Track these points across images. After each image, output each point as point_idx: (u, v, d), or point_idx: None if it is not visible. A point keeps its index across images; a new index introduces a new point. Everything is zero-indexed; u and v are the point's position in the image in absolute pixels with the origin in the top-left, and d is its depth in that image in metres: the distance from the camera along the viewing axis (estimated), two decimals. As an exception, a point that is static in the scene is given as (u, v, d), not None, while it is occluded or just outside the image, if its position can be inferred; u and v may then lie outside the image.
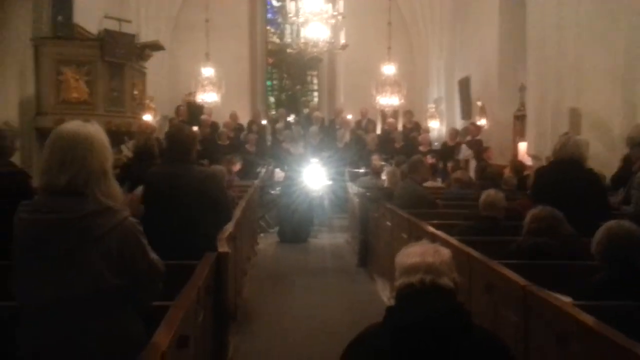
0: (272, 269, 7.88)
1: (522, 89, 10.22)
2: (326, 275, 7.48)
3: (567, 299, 2.62)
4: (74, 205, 2.04)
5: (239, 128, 13.52)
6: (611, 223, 3.06)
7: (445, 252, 2.10)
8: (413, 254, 2.07)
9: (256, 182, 10.09)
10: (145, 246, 2.19)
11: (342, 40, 11.96)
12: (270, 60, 17.22)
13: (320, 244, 9.72)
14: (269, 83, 17.42)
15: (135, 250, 2.13)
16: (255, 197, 9.02)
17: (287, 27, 15.82)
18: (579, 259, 3.51)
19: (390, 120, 13.73)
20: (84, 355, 2.01)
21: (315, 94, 17.45)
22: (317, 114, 14.01)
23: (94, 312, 2.03)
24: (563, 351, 2.39)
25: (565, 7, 7.88)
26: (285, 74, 17.22)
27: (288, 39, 14.34)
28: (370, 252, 7.77)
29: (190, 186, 3.82)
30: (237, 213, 5.40)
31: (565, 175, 4.55)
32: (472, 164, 11.02)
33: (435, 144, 13.21)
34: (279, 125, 13.35)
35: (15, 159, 3.97)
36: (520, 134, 10.60)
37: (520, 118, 10.63)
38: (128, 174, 4.97)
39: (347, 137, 12.94)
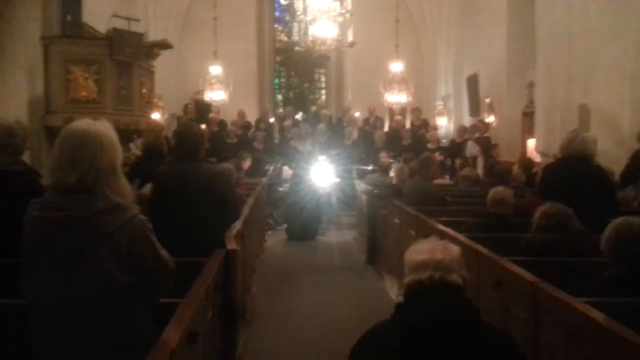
0: (280, 266, 7.89)
1: (531, 85, 10.17)
2: (334, 273, 7.48)
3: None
4: (83, 203, 2.05)
5: (246, 126, 13.54)
6: (620, 220, 3.05)
7: (455, 249, 2.10)
8: (422, 250, 2.07)
9: (264, 179, 10.10)
10: (155, 243, 2.19)
11: (350, 38, 11.95)
12: (278, 58, 17.23)
13: (328, 241, 9.73)
14: (276, 81, 17.44)
15: (144, 247, 2.13)
16: (263, 194, 9.04)
17: (295, 25, 15.81)
18: (588, 256, 3.49)
19: (398, 117, 13.71)
20: (93, 352, 2.01)
21: (323, 91, 17.46)
22: (324, 111, 14.01)
23: (104, 309, 2.03)
24: (572, 348, 2.38)
25: (575, 3, 7.84)
26: (293, 71, 17.22)
27: (296, 37, 14.34)
28: (378, 249, 7.76)
29: (199, 184, 3.83)
30: (245, 211, 5.40)
31: (572, 172, 4.53)
32: (480, 161, 11.00)
33: (444, 141, 13.18)
34: (287, 123, 13.36)
35: (25, 157, 3.99)
36: (528, 131, 10.56)
37: (528, 115, 10.59)
38: (137, 172, 5.00)
39: (355, 134, 12.93)
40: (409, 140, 12.38)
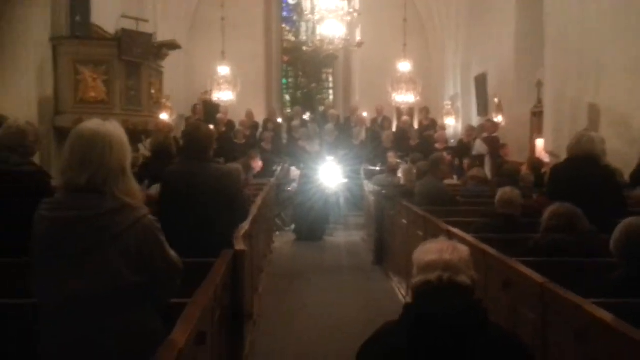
0: (288, 267, 7.90)
1: (540, 84, 10.13)
2: (342, 273, 7.48)
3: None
4: (93, 203, 2.06)
5: (255, 126, 13.56)
6: (630, 220, 3.03)
7: (464, 250, 2.09)
8: (431, 251, 2.07)
9: (272, 180, 10.11)
10: (164, 243, 2.20)
11: (358, 38, 11.96)
12: (286, 58, 17.25)
13: (336, 242, 9.73)
14: (284, 81, 17.46)
15: (153, 247, 2.14)
16: (271, 195, 9.05)
17: (303, 24, 15.85)
18: (597, 256, 3.48)
19: (405, 118, 13.67)
20: (102, 352, 2.02)
21: (331, 91, 17.46)
22: (332, 111, 14.02)
23: (113, 309, 2.04)
24: (581, 348, 2.37)
25: (585, 1, 7.80)
26: (301, 71, 17.23)
27: (303, 37, 14.37)
28: (386, 250, 7.76)
29: (207, 184, 3.84)
30: (254, 211, 5.41)
31: (579, 172, 4.51)
32: (488, 161, 10.95)
33: (452, 141, 13.14)
34: (295, 123, 13.37)
35: (34, 158, 4.01)
36: (537, 131, 10.51)
37: (537, 114, 10.54)
38: (146, 173, 5.01)
39: (363, 134, 12.92)
40: (417, 141, 12.36)
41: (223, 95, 13.00)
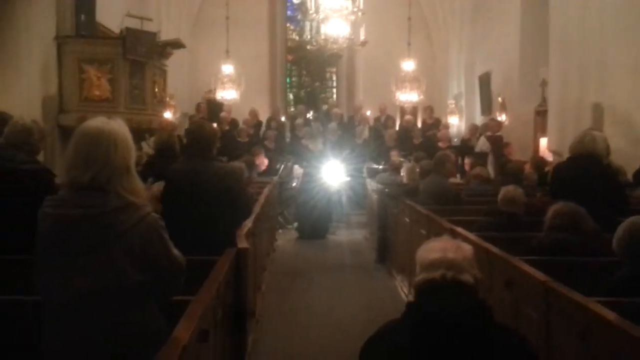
0: (291, 265, 7.91)
1: (544, 84, 10.11)
2: (344, 272, 7.49)
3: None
4: (97, 201, 2.06)
5: (258, 125, 13.57)
6: (633, 219, 3.02)
7: (467, 248, 2.09)
8: (435, 249, 2.07)
9: (275, 178, 10.12)
10: (168, 242, 2.20)
11: (362, 37, 11.94)
12: (290, 57, 17.25)
13: (339, 240, 9.74)
14: (288, 80, 17.46)
15: (157, 246, 2.14)
16: (274, 193, 9.06)
17: (307, 23, 15.81)
18: (600, 255, 3.47)
19: (408, 117, 13.63)
20: (106, 350, 2.03)
21: (334, 90, 17.46)
22: (336, 110, 14.01)
23: (117, 307, 2.05)
24: (584, 347, 2.37)
25: (589, 1, 7.77)
26: (305, 70, 17.24)
27: (308, 36, 14.37)
28: (389, 248, 7.76)
29: (210, 183, 3.84)
30: (257, 209, 5.42)
31: (581, 170, 4.51)
32: (490, 160, 10.93)
33: (455, 140, 13.12)
34: (298, 121, 13.37)
35: (38, 156, 4.02)
36: (541, 130, 10.49)
37: (541, 113, 10.52)
38: (150, 171, 5.02)
39: (366, 133, 12.91)
40: (420, 139, 12.34)
41: (227, 94, 13.01)
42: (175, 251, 2.25)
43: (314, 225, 9.72)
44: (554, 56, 8.75)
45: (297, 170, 11.24)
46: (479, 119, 13.11)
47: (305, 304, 5.98)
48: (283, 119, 14.53)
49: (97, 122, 2.17)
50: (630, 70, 7.40)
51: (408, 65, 12.63)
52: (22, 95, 6.89)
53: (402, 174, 9.25)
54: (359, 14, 10.92)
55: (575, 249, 3.57)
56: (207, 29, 14.86)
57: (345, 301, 6.10)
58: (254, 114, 13.77)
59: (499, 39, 12.07)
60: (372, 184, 9.67)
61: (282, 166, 11.15)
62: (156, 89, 8.26)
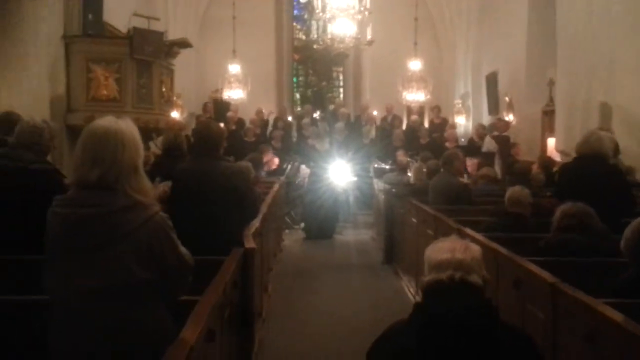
0: (298, 265, 7.91)
1: (551, 83, 10.07)
2: (351, 272, 7.48)
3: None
4: (104, 200, 2.07)
5: (265, 125, 13.58)
6: (641, 220, 3.01)
7: (476, 249, 2.08)
8: (443, 249, 2.06)
9: (282, 178, 10.13)
10: (175, 241, 2.21)
11: (369, 36, 11.93)
12: (296, 57, 17.25)
13: (346, 240, 9.73)
14: (294, 79, 17.46)
15: (165, 245, 2.14)
16: (281, 193, 9.06)
17: (314, 23, 15.82)
18: (608, 256, 3.46)
19: (414, 117, 13.61)
20: (112, 348, 2.03)
21: (341, 90, 17.45)
22: (342, 110, 14.00)
23: (124, 306, 2.05)
24: (591, 348, 2.37)
25: (597, 1, 7.74)
26: (311, 70, 17.24)
27: (314, 35, 14.37)
28: (396, 248, 7.75)
29: (217, 182, 3.85)
30: (263, 209, 5.43)
31: (588, 170, 4.49)
32: (497, 160, 10.90)
33: (462, 140, 13.09)
34: (305, 121, 13.37)
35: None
36: (548, 130, 10.45)
37: (548, 113, 10.48)
38: (157, 171, 5.04)
39: (373, 133, 12.90)
40: (427, 139, 12.32)
41: (233, 94, 13.05)
42: (183, 250, 2.25)
43: (321, 226, 9.72)
44: (561, 56, 8.71)
45: (304, 170, 11.25)
46: (486, 119, 13.08)
47: (312, 304, 5.98)
48: (290, 118, 14.54)
49: (105, 121, 2.18)
50: (638, 69, 7.37)
51: (415, 65, 12.61)
52: (29, 94, 6.92)
53: (409, 173, 9.25)
54: (366, 13, 10.91)
55: (582, 249, 3.55)
56: (214, 28, 14.89)
57: (351, 301, 6.10)
58: (260, 113, 13.78)
59: (506, 39, 12.03)
60: (379, 184, 9.66)
61: (289, 166, 11.16)
62: (163, 89, 8.28)
